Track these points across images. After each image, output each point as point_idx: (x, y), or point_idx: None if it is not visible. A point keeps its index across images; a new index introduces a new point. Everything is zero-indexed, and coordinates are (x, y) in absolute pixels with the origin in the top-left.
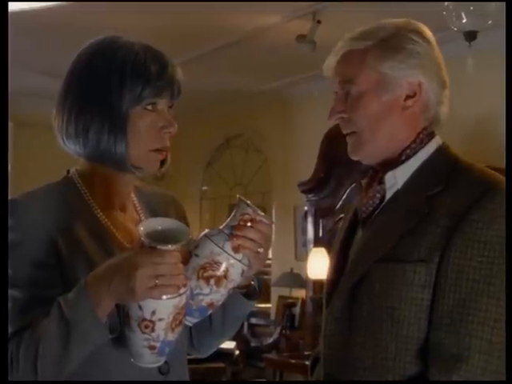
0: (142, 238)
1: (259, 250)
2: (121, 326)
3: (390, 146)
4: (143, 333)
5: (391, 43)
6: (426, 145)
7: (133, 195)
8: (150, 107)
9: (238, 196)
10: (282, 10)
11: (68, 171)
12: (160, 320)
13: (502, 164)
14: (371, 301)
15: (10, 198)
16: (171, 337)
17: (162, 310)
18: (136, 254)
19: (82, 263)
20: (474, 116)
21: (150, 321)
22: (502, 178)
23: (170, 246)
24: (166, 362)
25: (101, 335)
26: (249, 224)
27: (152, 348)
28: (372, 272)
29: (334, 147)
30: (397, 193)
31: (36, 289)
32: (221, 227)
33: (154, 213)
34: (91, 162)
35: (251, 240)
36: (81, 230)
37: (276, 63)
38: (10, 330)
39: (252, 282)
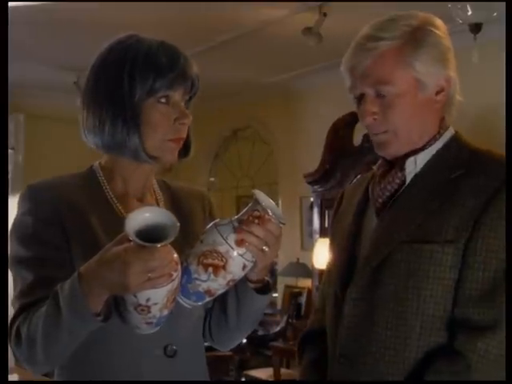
0: (129, 238)
1: (264, 247)
2: (118, 306)
3: (421, 139)
4: (139, 314)
5: (422, 41)
6: (444, 132)
7: (157, 188)
8: (163, 100)
9: (253, 191)
10: (288, 3)
11: (92, 165)
12: (155, 304)
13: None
14: (396, 281)
15: (28, 184)
16: (166, 312)
17: (156, 297)
18: (126, 252)
19: (90, 248)
20: (478, 107)
21: (146, 306)
22: None
23: (158, 244)
24: (172, 346)
25: (93, 326)
26: (256, 221)
27: (149, 324)
28: (396, 253)
29: (339, 139)
30: (415, 177)
31: (44, 270)
32: (233, 218)
33: (178, 206)
34: (109, 153)
35: (256, 237)
36: (93, 218)
37: (283, 56)
38: (18, 304)
39: (266, 278)
